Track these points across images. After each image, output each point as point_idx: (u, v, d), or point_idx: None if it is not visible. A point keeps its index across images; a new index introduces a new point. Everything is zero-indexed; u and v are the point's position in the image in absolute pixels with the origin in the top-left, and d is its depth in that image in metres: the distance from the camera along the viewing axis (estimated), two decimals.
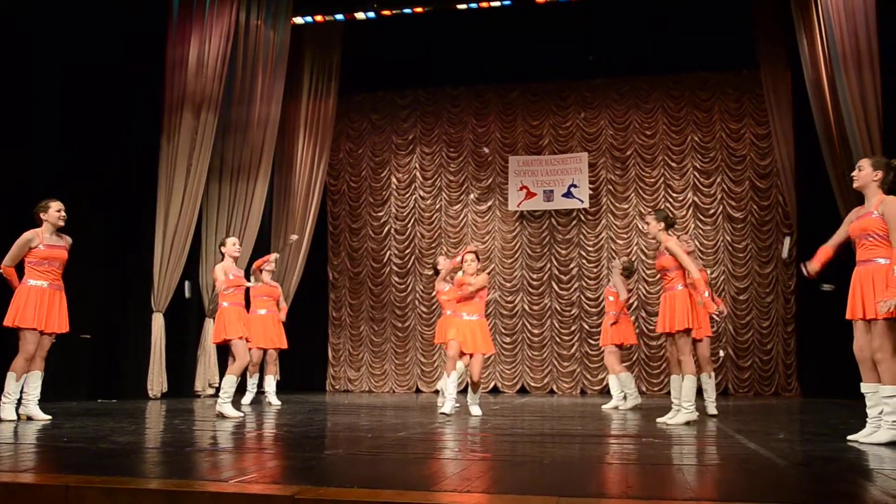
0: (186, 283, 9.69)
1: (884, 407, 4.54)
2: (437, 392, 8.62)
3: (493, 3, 11.00)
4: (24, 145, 8.23)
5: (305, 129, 12.27)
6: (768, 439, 4.86)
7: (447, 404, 6.70)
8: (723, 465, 3.78)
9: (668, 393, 11.39)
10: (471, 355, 6.96)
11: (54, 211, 6.17)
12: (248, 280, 7.70)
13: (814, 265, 5.11)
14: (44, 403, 6.21)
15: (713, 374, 7.44)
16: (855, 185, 4.83)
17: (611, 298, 8.42)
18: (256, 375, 9.01)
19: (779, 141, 11.14)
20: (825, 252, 5.09)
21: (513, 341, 12.59)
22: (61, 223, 6.19)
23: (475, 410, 6.95)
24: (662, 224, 6.13)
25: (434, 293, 8.70)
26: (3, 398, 6.01)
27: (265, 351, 8.76)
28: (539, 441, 4.92)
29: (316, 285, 12.95)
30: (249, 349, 7.43)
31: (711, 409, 7.21)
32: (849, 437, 4.64)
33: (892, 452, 4.18)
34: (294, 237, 10.56)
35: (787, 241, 7.75)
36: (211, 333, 10.11)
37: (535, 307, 12.59)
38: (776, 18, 10.87)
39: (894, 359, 4.50)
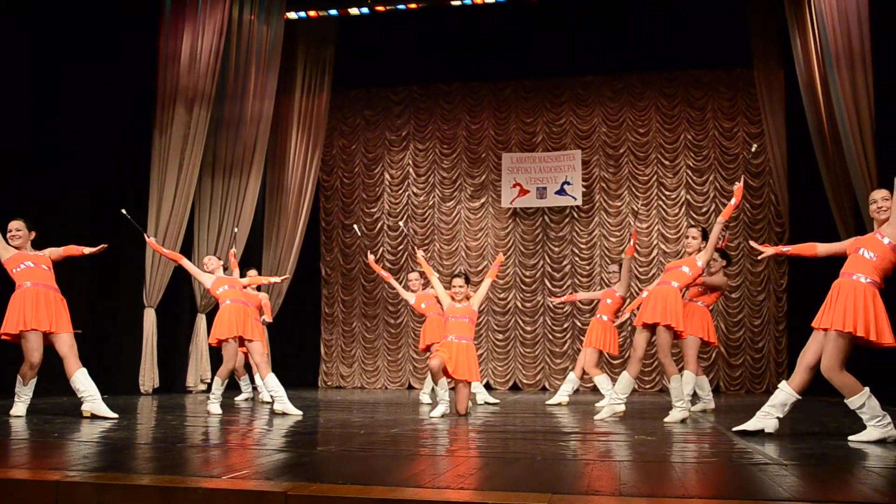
0: (355, 226, 9.59)
1: (861, 415, 4.65)
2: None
3: (487, 0, 10.98)
4: (16, 140, 8.19)
5: (298, 124, 12.23)
6: (759, 437, 4.89)
7: (439, 407, 6.49)
8: (714, 463, 3.79)
9: (661, 390, 11.51)
10: (455, 380, 6.61)
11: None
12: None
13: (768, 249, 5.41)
14: (34, 400, 6.19)
15: (702, 373, 7.47)
16: (882, 216, 4.71)
17: (608, 301, 8.40)
18: (246, 376, 9.06)
19: (771, 139, 11.16)
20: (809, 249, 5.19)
21: (505, 338, 12.61)
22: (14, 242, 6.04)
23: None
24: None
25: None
26: (14, 398, 6.06)
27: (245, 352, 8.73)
28: (531, 438, 4.92)
29: (308, 281, 12.93)
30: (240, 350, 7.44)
31: (701, 406, 7.26)
32: (850, 438, 4.68)
33: (882, 450, 4.21)
34: (235, 230, 10.28)
35: (754, 146, 7.90)
36: (203, 329, 10.13)
37: (528, 304, 12.61)
38: (770, 17, 10.88)
39: (843, 373, 4.62)
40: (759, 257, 5.72)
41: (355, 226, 9.98)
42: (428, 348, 8.15)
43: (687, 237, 6.33)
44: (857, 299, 4.56)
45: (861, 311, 4.53)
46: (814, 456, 4.00)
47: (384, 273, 8.57)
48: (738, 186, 6.10)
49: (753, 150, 7.91)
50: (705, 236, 6.23)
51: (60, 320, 5.97)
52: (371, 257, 8.76)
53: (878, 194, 4.80)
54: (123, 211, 7.12)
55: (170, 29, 9.91)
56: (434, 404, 7.29)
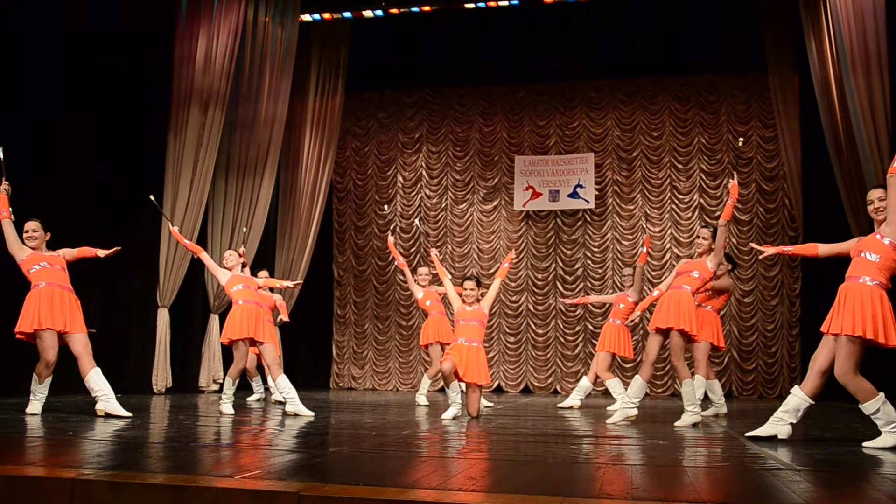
0: (417, 221, 10.37)
1: (876, 421, 4.60)
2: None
3: (500, 3, 11.00)
4: (30, 141, 8.24)
5: (312, 126, 12.28)
6: (772, 442, 4.86)
7: (451, 410, 6.47)
8: (726, 468, 3.78)
9: (673, 395, 11.46)
10: (467, 383, 6.61)
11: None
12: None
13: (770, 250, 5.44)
14: (50, 398, 6.24)
15: (714, 377, 7.44)
16: (880, 216, 4.68)
17: (621, 306, 8.37)
18: (258, 377, 9.08)
19: (786, 144, 11.11)
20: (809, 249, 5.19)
21: (517, 341, 12.59)
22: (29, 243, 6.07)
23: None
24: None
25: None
26: (30, 396, 6.12)
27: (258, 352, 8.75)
28: (543, 441, 4.92)
29: (321, 283, 12.97)
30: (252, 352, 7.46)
31: (713, 410, 7.24)
32: (864, 444, 4.64)
33: None
34: (245, 230, 10.34)
35: (741, 140, 7.98)
36: (216, 329, 10.18)
37: (540, 307, 12.59)
38: (785, 21, 10.83)
39: (857, 377, 4.57)
40: (761, 257, 5.71)
41: (417, 221, 10.20)
42: (427, 346, 8.34)
43: (697, 237, 6.31)
44: (864, 302, 4.52)
45: (869, 314, 4.49)
46: (827, 462, 3.97)
47: (401, 259, 8.47)
48: (733, 184, 6.06)
49: (740, 143, 7.97)
50: (716, 236, 6.20)
51: (75, 320, 6.03)
52: (391, 238, 8.66)
53: (875, 194, 4.75)
54: (151, 197, 7.21)
55: (185, 31, 9.97)
56: (430, 405, 7.30)
